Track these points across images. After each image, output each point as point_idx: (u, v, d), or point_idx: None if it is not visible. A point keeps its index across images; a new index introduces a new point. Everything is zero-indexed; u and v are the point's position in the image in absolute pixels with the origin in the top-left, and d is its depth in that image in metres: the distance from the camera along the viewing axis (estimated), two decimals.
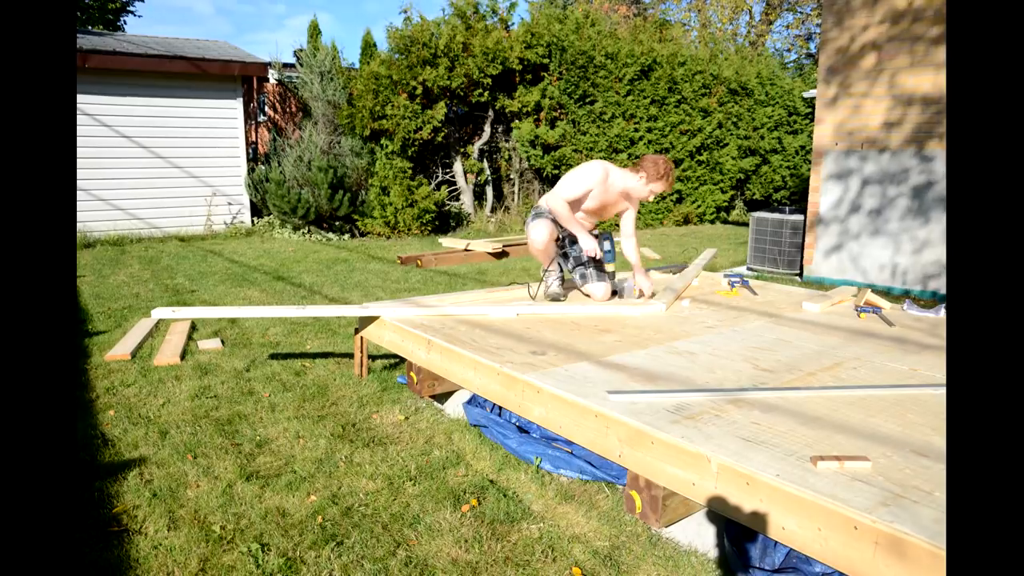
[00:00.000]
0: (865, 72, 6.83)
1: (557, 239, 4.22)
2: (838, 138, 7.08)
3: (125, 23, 23.75)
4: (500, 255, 8.88)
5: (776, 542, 2.10)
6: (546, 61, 11.76)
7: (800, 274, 7.60)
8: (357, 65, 11.99)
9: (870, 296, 4.19)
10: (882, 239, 6.86)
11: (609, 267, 4.12)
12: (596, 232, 4.08)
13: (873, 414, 2.37)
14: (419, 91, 10.62)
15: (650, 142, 12.75)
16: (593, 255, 4.06)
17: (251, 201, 11.25)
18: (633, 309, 3.91)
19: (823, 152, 7.23)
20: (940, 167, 6.44)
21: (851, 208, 7.06)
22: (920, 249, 6.61)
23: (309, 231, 10.59)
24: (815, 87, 9.09)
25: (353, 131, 10.89)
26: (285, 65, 12.72)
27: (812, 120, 12.81)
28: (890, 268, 6.83)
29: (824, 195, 7.25)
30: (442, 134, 11.13)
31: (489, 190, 12.26)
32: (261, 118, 13.36)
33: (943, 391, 2.59)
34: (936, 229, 6.49)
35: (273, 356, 4.42)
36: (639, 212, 12.88)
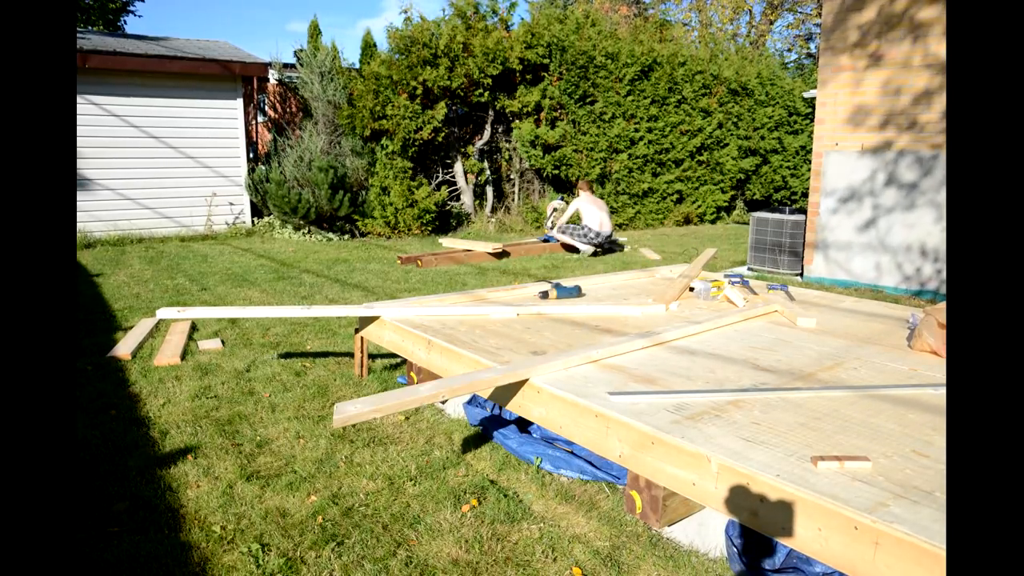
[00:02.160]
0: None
1: None
2: (842, 132, 7.08)
3: (125, 23, 23.77)
4: (500, 255, 8.88)
5: (777, 542, 2.10)
6: (546, 61, 11.76)
7: (800, 274, 7.60)
8: (358, 65, 11.99)
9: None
10: (886, 238, 6.86)
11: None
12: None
13: (873, 414, 2.37)
14: (419, 91, 10.62)
15: (650, 142, 12.75)
16: None
17: (251, 201, 11.25)
18: (633, 309, 3.91)
19: (823, 152, 7.23)
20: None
21: (853, 207, 7.06)
22: (924, 247, 6.61)
23: (309, 231, 10.59)
24: (815, 87, 9.09)
25: (353, 131, 10.89)
26: (285, 65, 12.73)
27: (812, 120, 12.80)
28: (892, 268, 6.83)
29: (825, 197, 7.25)
30: (442, 134, 11.13)
31: (489, 190, 12.26)
32: (261, 118, 13.36)
33: (943, 391, 2.59)
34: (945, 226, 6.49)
35: (274, 356, 4.42)
36: (639, 211, 12.89)
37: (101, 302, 5.97)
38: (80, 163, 9.75)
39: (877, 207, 6.85)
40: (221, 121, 10.87)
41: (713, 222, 14.14)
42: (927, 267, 6.56)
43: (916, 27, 6.41)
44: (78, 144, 9.71)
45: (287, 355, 4.46)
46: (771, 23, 24.41)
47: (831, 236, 7.25)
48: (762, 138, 14.42)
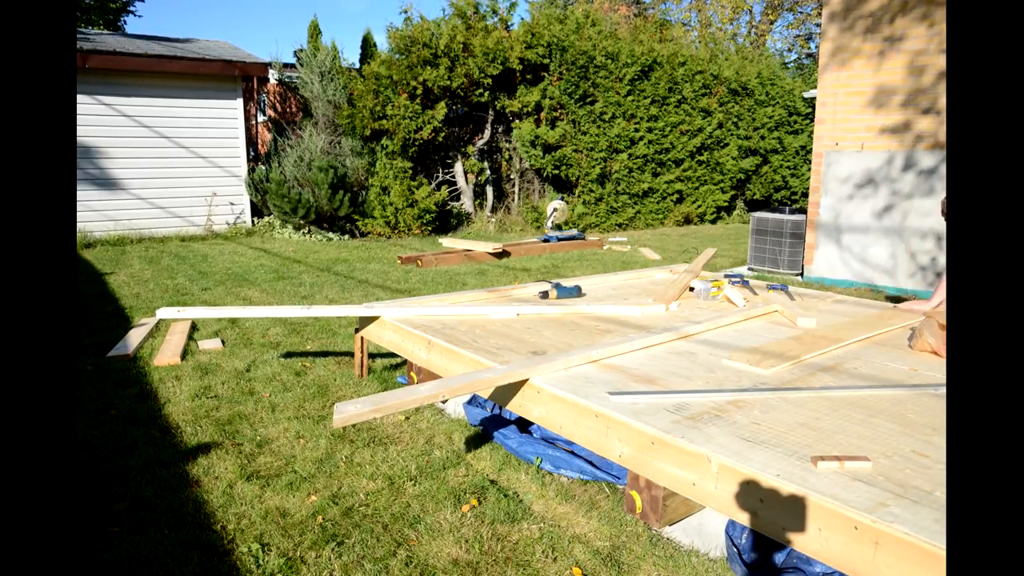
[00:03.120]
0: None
1: None
2: (842, 131, 7.08)
3: (125, 23, 23.77)
4: (500, 255, 8.88)
5: (777, 542, 2.10)
6: (546, 61, 11.76)
7: (801, 274, 7.60)
8: (358, 65, 11.99)
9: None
10: (884, 238, 6.85)
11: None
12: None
13: (873, 414, 2.37)
14: (419, 91, 10.62)
15: (651, 142, 12.75)
16: None
17: (251, 201, 11.25)
18: (633, 309, 3.91)
19: (823, 152, 7.22)
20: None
21: (854, 207, 7.06)
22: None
23: (309, 231, 10.59)
24: (815, 87, 9.07)
25: (353, 131, 10.89)
26: (285, 65, 12.73)
27: (812, 120, 12.80)
28: (890, 268, 6.83)
29: (825, 196, 7.24)
30: (442, 134, 11.13)
31: (489, 190, 12.26)
32: (261, 118, 13.37)
33: (943, 391, 2.59)
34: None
35: (274, 356, 4.42)
36: (639, 211, 12.89)
37: (102, 301, 5.97)
38: (81, 161, 9.75)
39: (880, 203, 6.84)
40: (221, 121, 10.87)
41: (713, 222, 14.13)
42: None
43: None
44: (78, 143, 9.71)
45: (287, 355, 4.46)
46: (771, 23, 24.41)
47: (831, 235, 7.24)
48: (762, 138, 14.42)
